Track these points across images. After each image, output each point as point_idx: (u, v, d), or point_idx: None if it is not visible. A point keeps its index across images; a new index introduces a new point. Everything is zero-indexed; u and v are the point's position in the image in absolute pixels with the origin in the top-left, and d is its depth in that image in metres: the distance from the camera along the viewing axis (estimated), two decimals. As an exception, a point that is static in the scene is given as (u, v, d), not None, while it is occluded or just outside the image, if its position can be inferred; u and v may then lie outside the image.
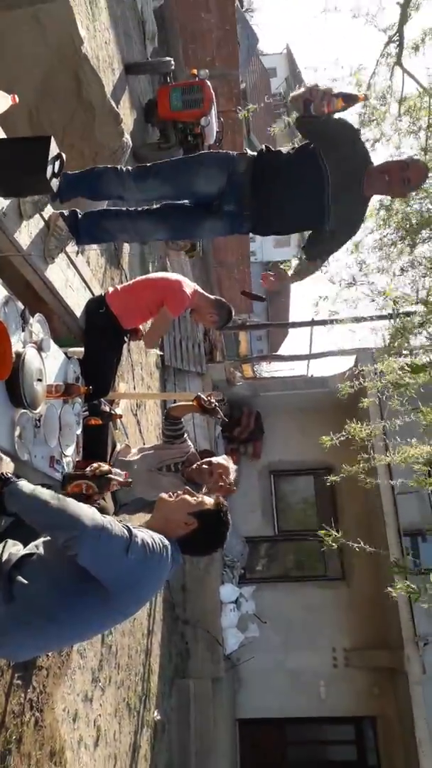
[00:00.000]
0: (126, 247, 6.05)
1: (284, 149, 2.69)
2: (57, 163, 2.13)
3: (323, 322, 9.50)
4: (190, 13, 10.39)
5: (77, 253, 3.01)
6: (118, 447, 3.53)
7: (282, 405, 9.67)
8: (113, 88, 6.11)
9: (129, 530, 1.71)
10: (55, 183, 2.13)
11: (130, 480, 2.60)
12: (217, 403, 3.38)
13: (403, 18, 3.46)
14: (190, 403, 3.39)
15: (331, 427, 8.67)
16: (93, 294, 3.33)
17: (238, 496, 9.08)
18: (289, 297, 22.82)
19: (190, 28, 10.57)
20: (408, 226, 3.86)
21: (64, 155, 2.14)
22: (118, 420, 3.99)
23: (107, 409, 3.40)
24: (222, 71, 10.87)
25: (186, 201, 2.73)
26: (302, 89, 2.47)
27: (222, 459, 3.34)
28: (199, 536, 1.95)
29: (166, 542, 1.82)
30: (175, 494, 1.96)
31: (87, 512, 1.67)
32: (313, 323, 9.30)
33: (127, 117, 6.81)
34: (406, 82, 3.72)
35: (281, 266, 3.17)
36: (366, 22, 3.49)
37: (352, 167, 2.55)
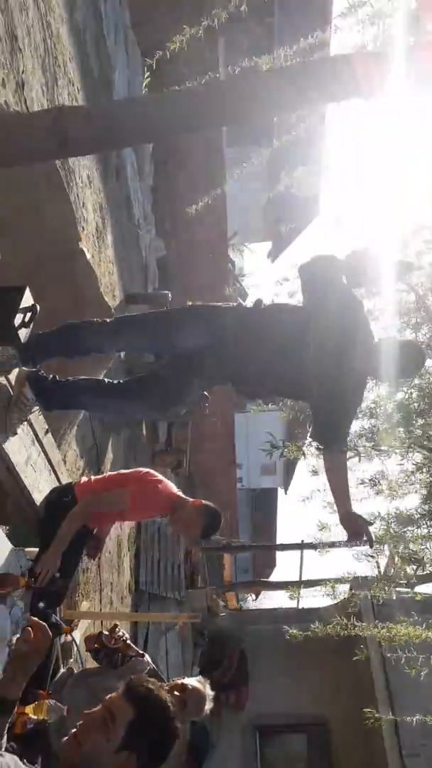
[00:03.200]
0: (109, 452, 5.85)
1: (281, 306, 2.54)
2: (29, 315, 1.99)
3: (312, 546, 8.95)
4: (188, 267, 11.78)
5: (46, 431, 2.75)
6: (61, 671, 2.85)
7: (270, 642, 8.54)
8: (114, 309, 6.51)
9: None
10: (24, 333, 1.96)
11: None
12: (125, 638, 2.80)
13: None
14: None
15: (326, 668, 7.58)
16: (59, 480, 3.00)
17: (217, 759, 7.52)
18: (275, 520, 22.14)
19: (187, 279, 11.91)
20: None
21: (38, 307, 2.01)
22: (74, 644, 3.33)
23: (55, 619, 2.80)
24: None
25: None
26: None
27: (197, 682, 2.64)
28: (146, 763, 1.39)
29: None
30: (77, 735, 1.40)
31: None
32: (302, 546, 8.70)
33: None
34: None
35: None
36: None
37: (341, 343, 2.38)
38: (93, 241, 5.73)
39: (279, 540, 21.56)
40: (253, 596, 13.32)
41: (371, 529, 2.63)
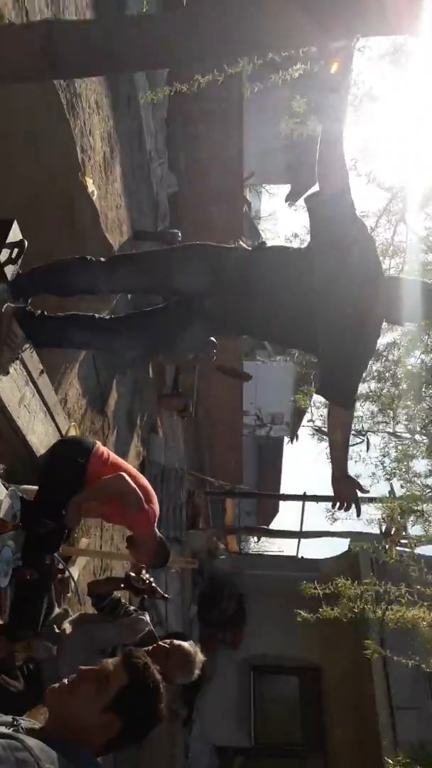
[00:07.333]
0: (114, 393, 5.79)
1: (286, 248, 2.40)
2: (16, 250, 1.86)
3: (315, 498, 9.01)
4: (201, 206, 11.39)
5: (41, 372, 2.66)
6: (57, 611, 2.86)
7: (268, 588, 8.74)
8: (119, 246, 6.31)
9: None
10: (10, 269, 1.84)
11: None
12: (151, 581, 2.80)
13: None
14: (118, 578, 2.86)
15: (323, 619, 7.78)
16: (56, 422, 2.93)
17: (212, 693, 7.83)
18: (280, 468, 22.37)
19: (199, 219, 11.53)
20: None
21: (26, 242, 1.88)
22: (72, 582, 3.36)
23: (50, 561, 2.80)
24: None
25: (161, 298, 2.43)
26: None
27: (187, 645, 2.65)
28: (127, 734, 1.39)
29: None
30: (69, 685, 1.39)
31: None
32: (305, 497, 8.77)
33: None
34: (411, 239, 3.71)
35: None
36: (368, 182, 3.54)
37: (352, 284, 2.23)
38: (100, 172, 5.48)
39: (283, 488, 21.86)
40: (255, 539, 13.58)
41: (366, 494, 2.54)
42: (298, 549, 10.35)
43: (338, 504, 2.40)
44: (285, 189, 21.73)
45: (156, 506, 2.94)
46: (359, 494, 2.39)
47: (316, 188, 2.28)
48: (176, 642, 2.60)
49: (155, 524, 2.93)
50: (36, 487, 2.87)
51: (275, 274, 2.28)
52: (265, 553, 11.58)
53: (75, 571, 3.71)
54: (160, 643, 2.57)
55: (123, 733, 1.39)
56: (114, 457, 2.94)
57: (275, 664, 8.57)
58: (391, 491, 4.06)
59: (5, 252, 1.80)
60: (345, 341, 2.27)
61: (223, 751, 7.81)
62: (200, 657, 2.63)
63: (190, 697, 7.29)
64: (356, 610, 3.47)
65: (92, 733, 1.36)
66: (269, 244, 2.39)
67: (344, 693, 7.67)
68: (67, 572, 3.26)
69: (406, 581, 3.49)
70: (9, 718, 1.41)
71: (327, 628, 7.82)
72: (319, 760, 7.77)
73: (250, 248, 2.36)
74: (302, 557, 10.23)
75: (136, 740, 1.46)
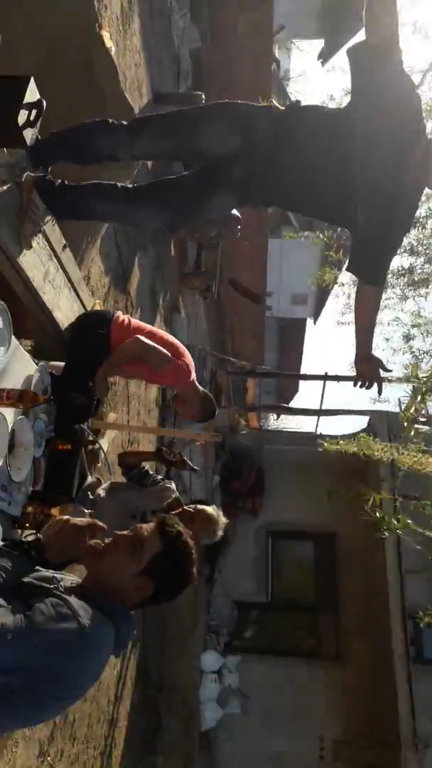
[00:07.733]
0: (136, 271, 5.70)
1: (323, 108, 2.22)
2: (34, 112, 1.72)
3: (336, 378, 9.09)
4: (226, 64, 10.44)
5: (64, 246, 2.59)
6: (89, 480, 3.02)
7: (286, 461, 9.11)
8: (139, 110, 5.90)
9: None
10: (29, 133, 1.72)
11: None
12: (181, 454, 2.94)
13: None
14: (148, 450, 2.98)
15: (337, 488, 8.11)
16: (80, 298, 2.91)
17: (232, 554, 8.44)
18: (302, 349, 22.46)
19: (224, 78, 10.62)
20: None
21: (44, 102, 1.74)
22: (102, 453, 3.52)
23: (80, 432, 2.91)
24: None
25: (183, 166, 2.29)
26: None
27: (210, 509, 2.81)
28: (160, 595, 1.52)
29: (105, 627, 1.38)
30: (102, 549, 1.50)
31: None
32: (326, 377, 8.84)
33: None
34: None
35: None
36: (413, 31, 3.18)
37: (396, 146, 2.06)
38: (117, 25, 4.99)
39: (304, 369, 22.05)
40: (275, 416, 13.95)
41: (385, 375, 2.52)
42: (317, 426, 10.62)
43: (361, 382, 2.40)
44: (318, 45, 19.79)
45: (188, 359, 2.97)
46: (382, 373, 2.39)
47: (359, 38, 2.04)
48: (200, 506, 2.75)
49: (193, 376, 2.99)
50: (63, 364, 2.92)
51: (311, 136, 2.11)
52: (284, 429, 11.91)
53: (104, 444, 3.88)
54: (185, 507, 2.72)
55: (156, 594, 1.50)
56: (136, 322, 2.95)
57: (292, 530, 9.13)
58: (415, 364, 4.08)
59: (23, 113, 1.67)
60: (383, 208, 2.14)
61: (241, 606, 8.55)
62: (223, 519, 2.80)
63: (212, 557, 7.88)
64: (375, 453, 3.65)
65: (127, 593, 1.47)
66: (304, 104, 2.19)
67: (357, 557, 8.19)
68: (97, 444, 3.40)
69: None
70: (49, 575, 1.53)
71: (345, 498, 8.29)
72: (331, 618, 8.48)
73: (283, 108, 2.17)
74: (320, 434, 10.54)
75: (168, 599, 1.57)
